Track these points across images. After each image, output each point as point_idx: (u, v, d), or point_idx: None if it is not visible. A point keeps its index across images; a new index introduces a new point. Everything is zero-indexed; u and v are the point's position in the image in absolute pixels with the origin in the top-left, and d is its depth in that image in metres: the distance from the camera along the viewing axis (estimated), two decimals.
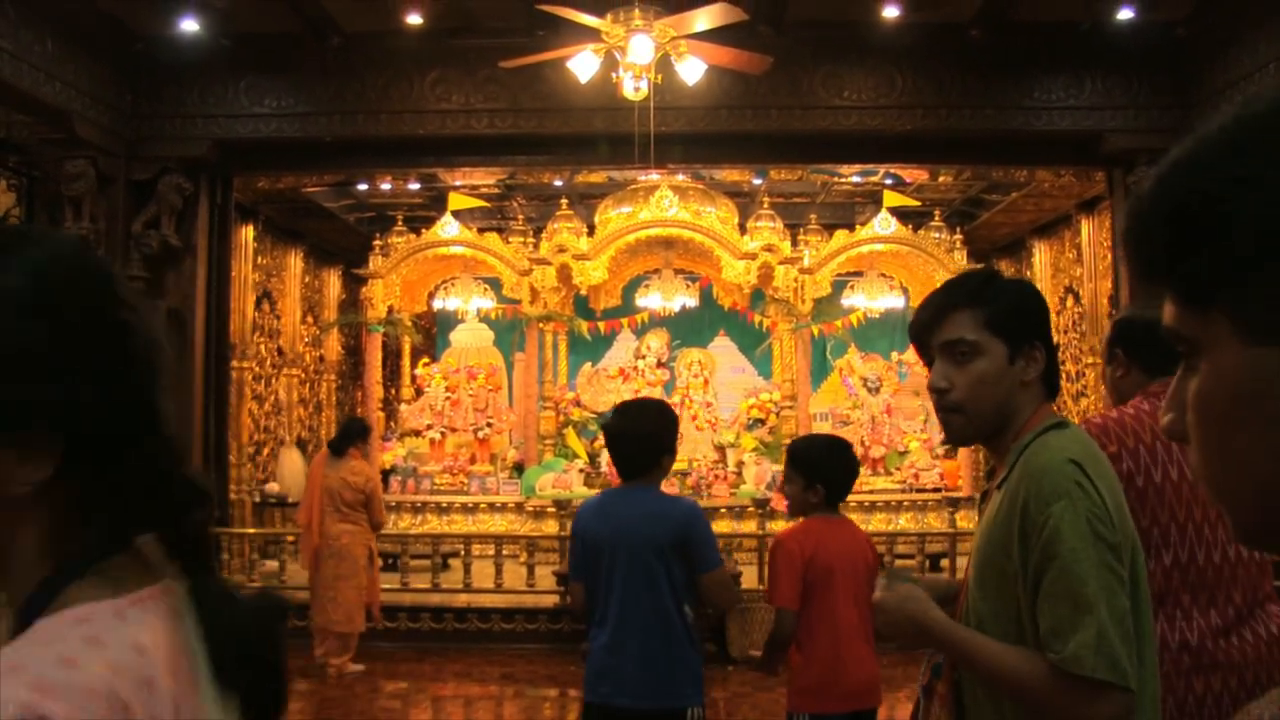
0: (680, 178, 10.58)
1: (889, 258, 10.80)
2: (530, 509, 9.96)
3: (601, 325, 12.10)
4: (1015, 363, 1.67)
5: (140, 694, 0.72)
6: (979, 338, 1.67)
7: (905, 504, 9.93)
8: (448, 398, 11.00)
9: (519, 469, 10.58)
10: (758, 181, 11.08)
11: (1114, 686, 1.45)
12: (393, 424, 11.66)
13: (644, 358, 11.58)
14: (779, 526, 9.17)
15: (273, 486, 10.45)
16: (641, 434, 3.15)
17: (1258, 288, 0.61)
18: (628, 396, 11.34)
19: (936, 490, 9.92)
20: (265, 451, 10.71)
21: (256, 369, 10.43)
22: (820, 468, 3.24)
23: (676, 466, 10.27)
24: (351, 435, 6.99)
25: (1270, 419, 0.61)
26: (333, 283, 12.71)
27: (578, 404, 11.37)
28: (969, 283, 1.76)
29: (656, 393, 11.18)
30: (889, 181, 10.69)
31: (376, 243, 10.93)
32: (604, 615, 3.07)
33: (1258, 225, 0.60)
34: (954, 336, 1.69)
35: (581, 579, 3.16)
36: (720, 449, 10.88)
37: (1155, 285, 0.68)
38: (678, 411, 10.80)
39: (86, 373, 0.78)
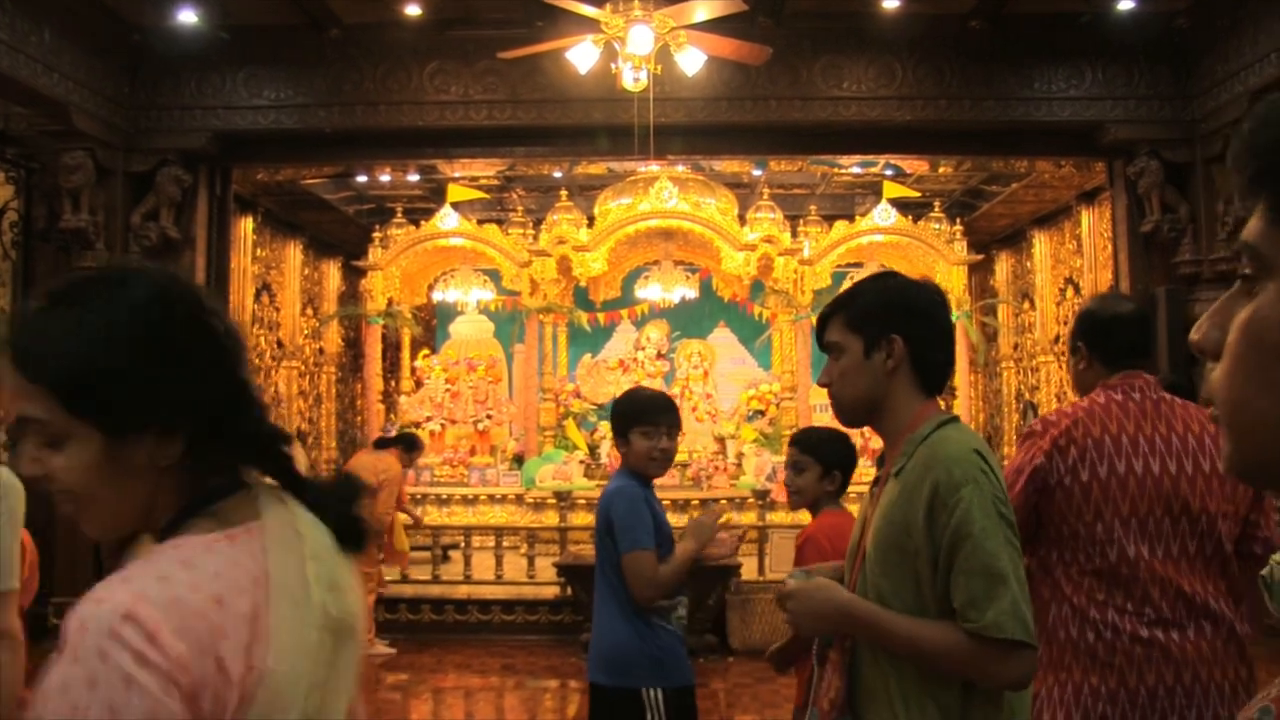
0: (680, 169, 10.56)
1: (889, 249, 10.79)
2: (530, 501, 9.96)
3: (601, 317, 12.09)
4: (871, 355, 1.84)
5: (211, 608, 0.98)
6: (840, 338, 1.88)
7: None
8: (447, 389, 11.00)
9: (519, 461, 10.58)
10: (757, 173, 11.06)
11: (1025, 645, 1.65)
12: (393, 416, 11.66)
13: (644, 349, 11.58)
14: (779, 518, 9.18)
15: None
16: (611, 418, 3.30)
17: None
18: (627, 388, 11.36)
19: None
20: None
21: (256, 361, 10.42)
22: (837, 455, 3.24)
23: (678, 458, 10.27)
24: (396, 440, 7.46)
25: None
26: (332, 275, 12.69)
27: (578, 395, 11.37)
28: (846, 291, 1.96)
29: (656, 384, 11.19)
30: (889, 172, 10.68)
31: (376, 234, 10.92)
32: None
33: None
34: (827, 339, 1.91)
35: None
36: (720, 440, 10.89)
37: (1252, 193, 0.66)
38: (677, 402, 10.83)
39: (195, 372, 1.07)
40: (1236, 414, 0.64)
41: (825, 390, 1.93)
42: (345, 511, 1.16)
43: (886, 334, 1.83)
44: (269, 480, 1.14)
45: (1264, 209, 0.64)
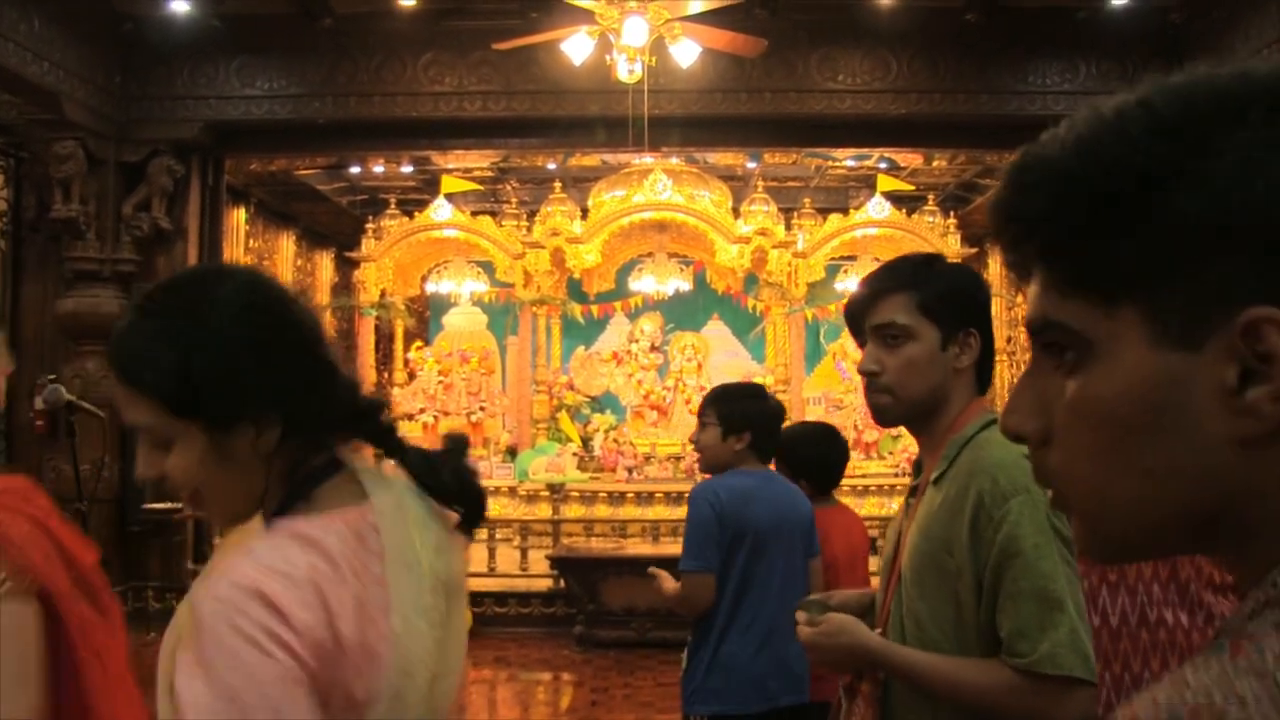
0: (674, 161, 10.54)
1: (883, 242, 10.77)
2: (524, 493, 9.95)
3: (595, 309, 12.07)
4: (948, 349, 1.63)
5: (332, 582, 1.04)
6: (910, 321, 1.62)
7: (898, 488, 9.95)
8: (440, 381, 10.98)
9: (512, 453, 10.57)
10: (752, 165, 11.04)
11: (1084, 682, 1.43)
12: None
13: (637, 342, 11.56)
14: None
15: None
16: None
17: (1185, 288, 0.54)
18: (621, 380, 11.35)
19: None
20: None
21: None
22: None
23: (671, 450, 10.29)
24: None
25: (1170, 430, 0.55)
26: (325, 266, 12.66)
27: (571, 388, 11.36)
28: (906, 266, 1.71)
29: (650, 376, 11.18)
30: (883, 165, 10.67)
31: (369, 226, 10.88)
32: (752, 608, 2.84)
33: (1204, 219, 0.53)
34: (886, 319, 1.64)
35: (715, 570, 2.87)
36: None
37: (1032, 265, 0.60)
38: (670, 395, 10.80)
39: (286, 362, 1.13)
40: (1097, 500, 0.59)
41: (866, 379, 1.68)
42: (458, 479, 1.24)
43: (966, 327, 1.63)
44: (373, 451, 1.22)
45: (1046, 280, 0.59)
